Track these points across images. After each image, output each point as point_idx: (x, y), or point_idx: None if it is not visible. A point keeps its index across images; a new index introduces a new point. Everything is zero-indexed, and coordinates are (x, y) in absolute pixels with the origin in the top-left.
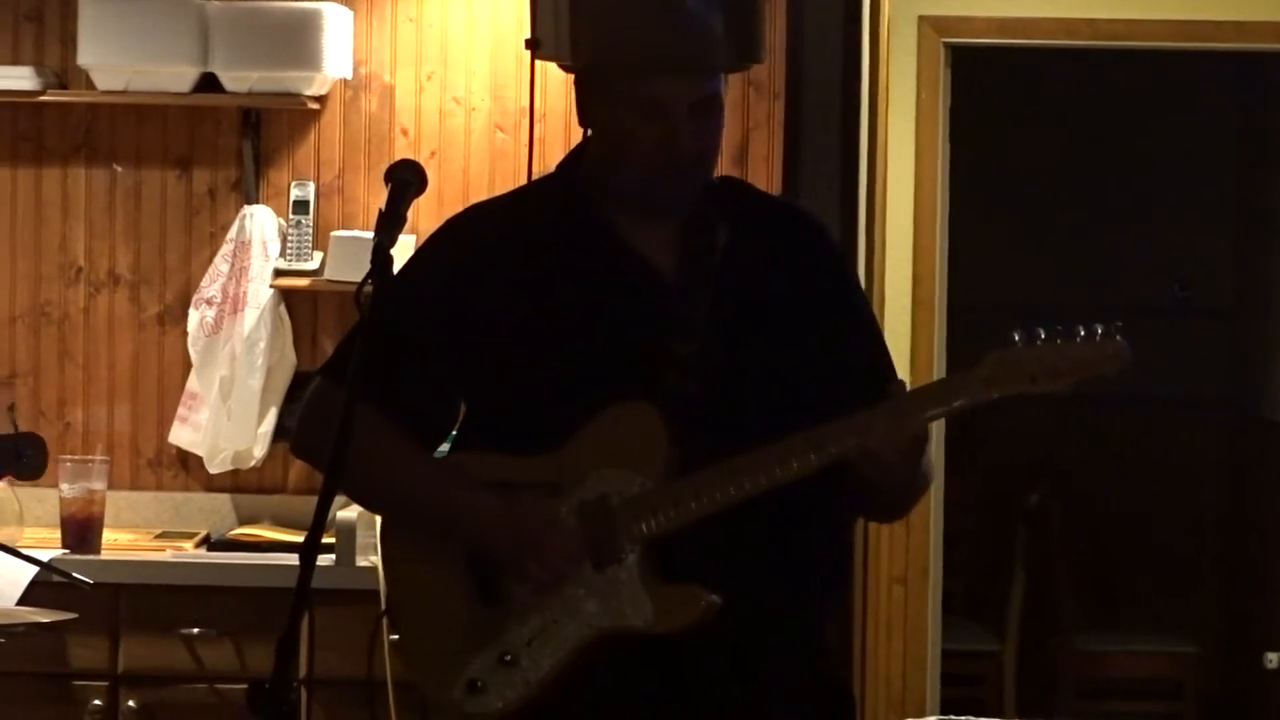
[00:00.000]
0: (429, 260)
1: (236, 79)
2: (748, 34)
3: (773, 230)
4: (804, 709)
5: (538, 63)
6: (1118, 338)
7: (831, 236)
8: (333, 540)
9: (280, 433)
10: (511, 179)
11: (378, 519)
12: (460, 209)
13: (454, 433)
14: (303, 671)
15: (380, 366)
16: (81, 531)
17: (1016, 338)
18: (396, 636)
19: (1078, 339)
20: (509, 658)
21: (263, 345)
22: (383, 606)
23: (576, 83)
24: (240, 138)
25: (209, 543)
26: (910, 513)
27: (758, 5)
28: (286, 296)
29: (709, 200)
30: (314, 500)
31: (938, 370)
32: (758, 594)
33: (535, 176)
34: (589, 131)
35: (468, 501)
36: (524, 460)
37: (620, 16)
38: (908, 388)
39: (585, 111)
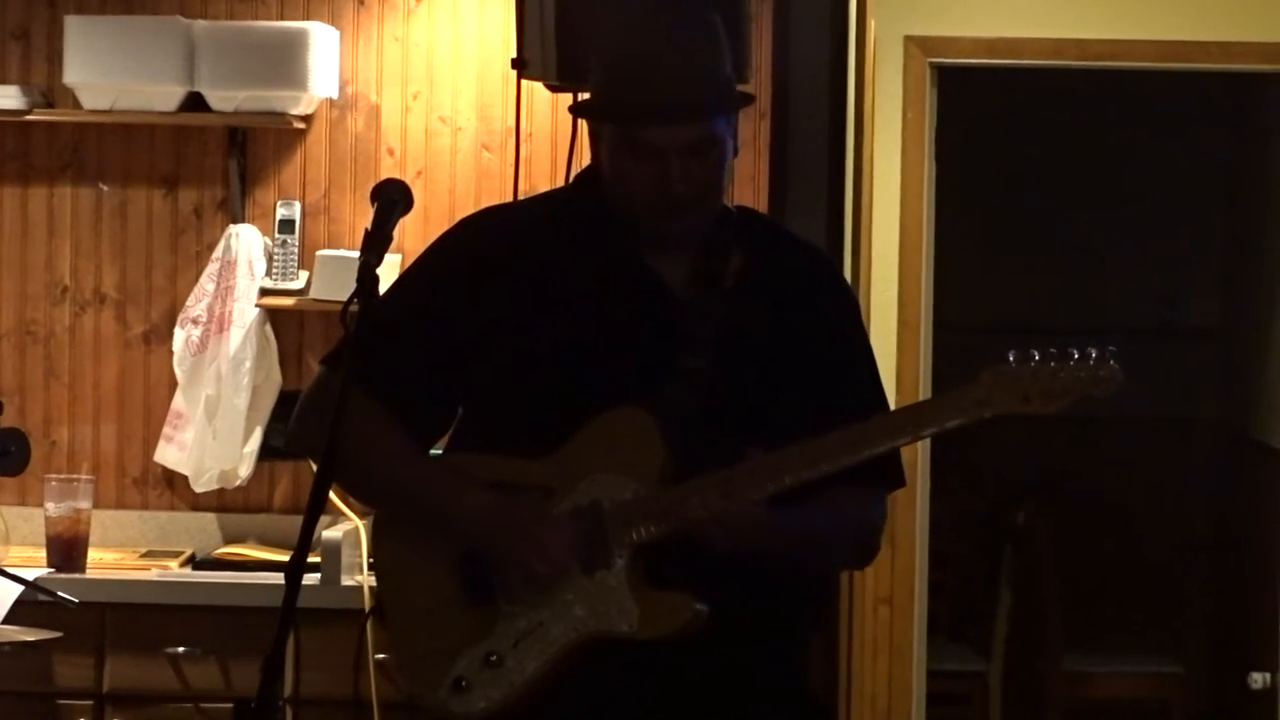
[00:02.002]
0: (439, 259)
1: (223, 98)
2: (734, 55)
3: (788, 264)
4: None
5: (524, 82)
6: (1111, 362)
7: (846, 282)
8: (318, 559)
9: (266, 452)
10: (498, 198)
11: (363, 538)
12: (446, 228)
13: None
14: (288, 691)
15: (383, 362)
16: (67, 550)
17: (1011, 358)
18: (386, 642)
19: (1071, 361)
20: (495, 658)
21: (248, 364)
22: (368, 609)
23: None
24: (226, 157)
25: (194, 562)
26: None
27: (744, 26)
28: (272, 316)
29: (726, 226)
30: (299, 520)
31: (923, 391)
32: (743, 604)
33: (521, 196)
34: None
35: (466, 498)
36: (519, 462)
37: (616, 59)
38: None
39: (591, 146)
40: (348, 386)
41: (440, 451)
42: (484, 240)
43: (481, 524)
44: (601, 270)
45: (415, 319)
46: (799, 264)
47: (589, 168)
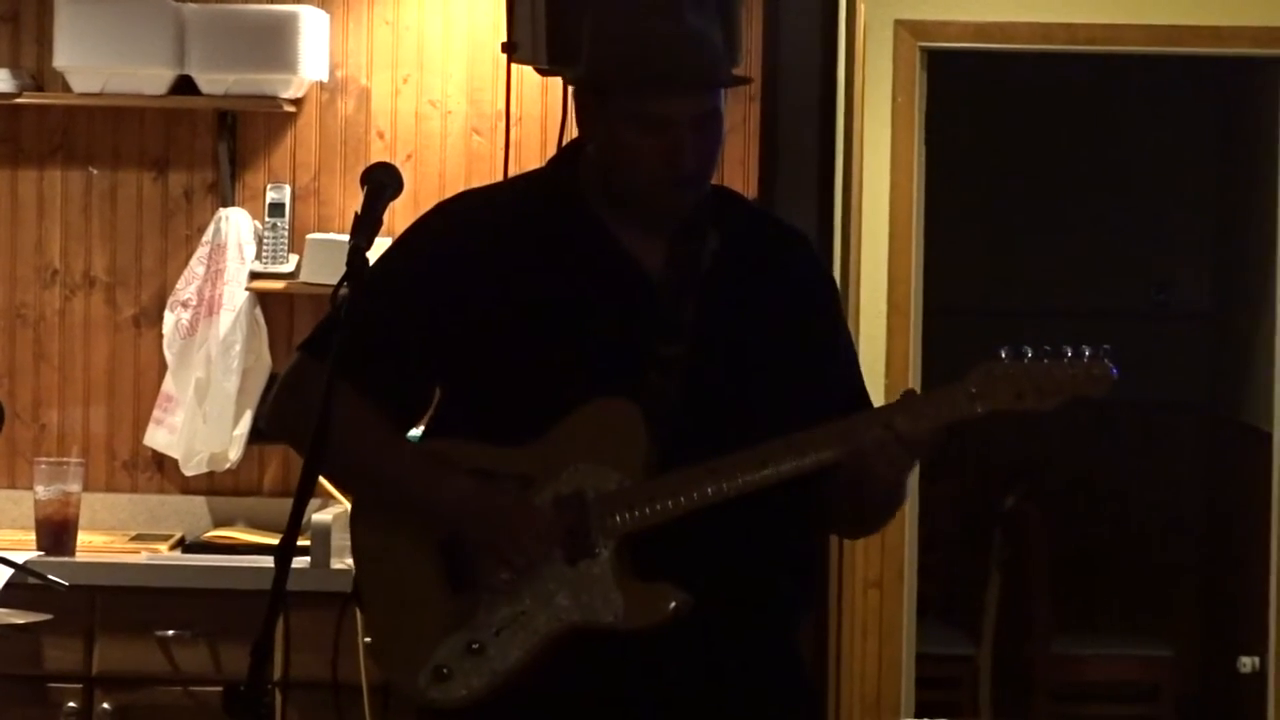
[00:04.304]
0: (416, 242)
1: (213, 81)
2: (727, 38)
3: (764, 244)
4: (771, 709)
5: (514, 66)
6: (1104, 360)
7: (821, 260)
8: (308, 542)
9: (256, 435)
10: (487, 181)
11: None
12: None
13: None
14: (278, 674)
15: (360, 346)
16: (57, 533)
17: (1003, 354)
18: (365, 628)
19: (1065, 359)
20: (476, 646)
21: (238, 348)
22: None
23: (575, 93)
24: (216, 140)
25: (184, 545)
26: (882, 529)
27: (735, 10)
28: (262, 299)
29: (702, 208)
30: (289, 503)
31: (913, 374)
32: (729, 594)
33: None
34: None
35: (446, 485)
36: (501, 451)
37: (621, 30)
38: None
39: (584, 122)
40: (335, 376)
41: (419, 431)
42: (459, 225)
43: (462, 511)
44: (578, 255)
45: (390, 305)
46: (776, 244)
47: (569, 146)
